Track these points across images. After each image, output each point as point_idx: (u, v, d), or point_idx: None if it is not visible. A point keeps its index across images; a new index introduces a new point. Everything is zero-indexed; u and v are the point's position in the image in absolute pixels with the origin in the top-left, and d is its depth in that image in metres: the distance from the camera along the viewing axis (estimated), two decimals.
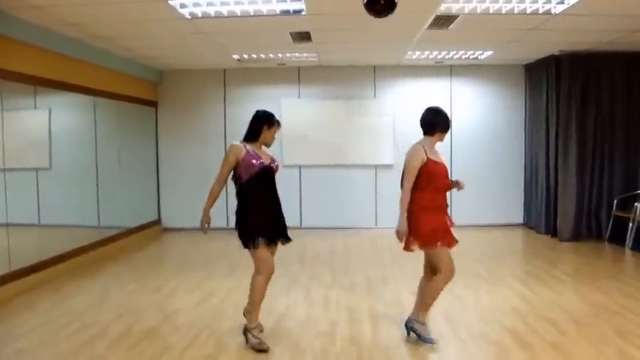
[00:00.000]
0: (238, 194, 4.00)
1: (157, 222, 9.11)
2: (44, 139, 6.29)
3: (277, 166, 4.13)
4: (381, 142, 9.08)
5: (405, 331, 4.08)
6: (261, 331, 4.02)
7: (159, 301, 5.17)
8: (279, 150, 8.95)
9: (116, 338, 4.13)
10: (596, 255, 7.00)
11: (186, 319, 4.58)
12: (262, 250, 3.91)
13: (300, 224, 9.05)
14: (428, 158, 3.86)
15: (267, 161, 4.01)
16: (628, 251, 7.08)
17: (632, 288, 5.38)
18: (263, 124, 4.08)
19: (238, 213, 3.98)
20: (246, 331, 4.00)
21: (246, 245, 3.93)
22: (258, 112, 4.14)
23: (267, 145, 4.15)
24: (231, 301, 5.06)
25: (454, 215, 8.77)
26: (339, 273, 6.15)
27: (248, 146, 4.00)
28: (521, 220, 9.10)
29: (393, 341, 4.05)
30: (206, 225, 4.03)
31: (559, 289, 5.33)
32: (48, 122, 6.36)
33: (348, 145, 9.10)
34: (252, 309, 4.00)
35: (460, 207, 8.90)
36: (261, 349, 3.86)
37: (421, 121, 4.01)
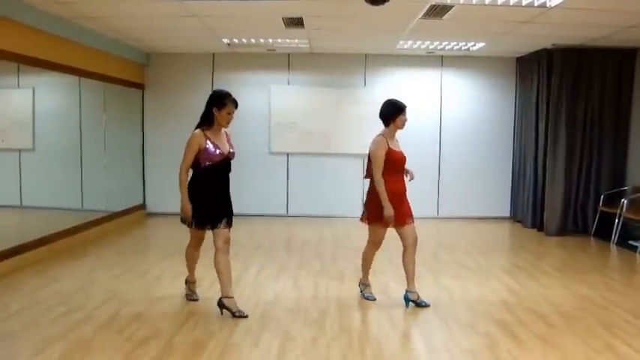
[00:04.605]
0: (192, 177, 4.05)
1: (142, 206, 8.99)
2: (27, 119, 6.14)
3: (234, 153, 4.16)
4: (369, 131, 8.84)
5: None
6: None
7: (146, 285, 5.10)
8: (267, 136, 8.91)
9: (104, 322, 4.06)
10: (582, 250, 7.06)
11: (173, 305, 4.52)
12: (197, 230, 4.19)
13: (287, 212, 8.98)
14: (389, 148, 4.37)
15: (225, 150, 4.02)
16: (613, 247, 7.16)
17: (618, 283, 5.46)
18: (211, 106, 3.98)
19: (191, 193, 4.03)
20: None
21: (189, 224, 4.10)
22: (212, 93, 4.05)
23: (224, 127, 4.05)
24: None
25: (441, 207, 8.86)
26: (327, 261, 6.14)
27: (208, 133, 3.94)
28: (507, 214, 9.13)
29: (382, 329, 4.05)
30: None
31: (546, 283, 5.38)
32: (32, 102, 6.20)
33: (336, 134, 9.04)
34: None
35: (447, 199, 8.95)
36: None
37: (379, 115, 4.50)
